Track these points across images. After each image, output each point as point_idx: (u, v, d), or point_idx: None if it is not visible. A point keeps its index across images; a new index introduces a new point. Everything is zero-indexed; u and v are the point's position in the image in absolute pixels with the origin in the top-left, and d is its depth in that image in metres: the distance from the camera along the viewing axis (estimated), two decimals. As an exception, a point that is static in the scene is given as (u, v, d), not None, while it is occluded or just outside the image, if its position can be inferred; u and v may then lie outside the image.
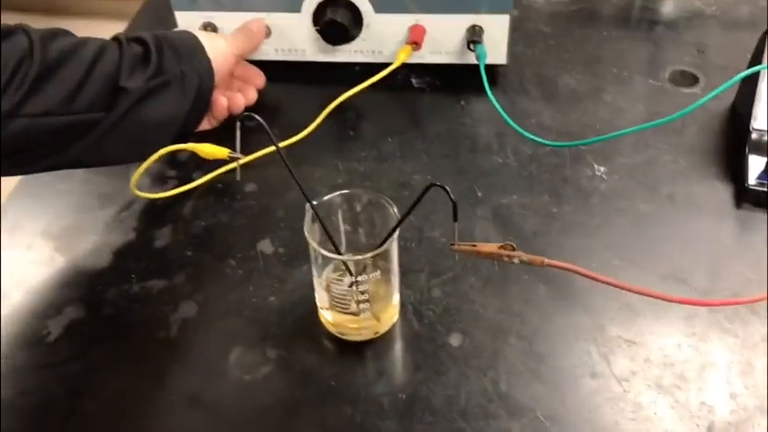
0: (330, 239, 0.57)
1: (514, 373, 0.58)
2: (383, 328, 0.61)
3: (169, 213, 0.74)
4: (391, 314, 0.62)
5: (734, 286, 0.64)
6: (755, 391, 0.57)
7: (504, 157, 0.78)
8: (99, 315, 0.65)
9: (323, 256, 0.56)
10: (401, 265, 0.62)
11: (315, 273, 0.59)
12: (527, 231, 0.70)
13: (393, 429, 0.56)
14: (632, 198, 0.73)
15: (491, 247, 0.56)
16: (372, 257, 0.55)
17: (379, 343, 0.61)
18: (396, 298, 0.61)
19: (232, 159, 0.69)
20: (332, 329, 0.62)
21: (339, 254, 0.58)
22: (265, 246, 0.70)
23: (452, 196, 0.50)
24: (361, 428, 0.56)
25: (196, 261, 0.69)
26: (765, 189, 0.69)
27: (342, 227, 0.61)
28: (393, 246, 0.56)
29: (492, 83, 0.80)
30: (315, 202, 0.56)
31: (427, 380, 0.58)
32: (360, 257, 0.55)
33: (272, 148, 0.70)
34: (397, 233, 0.55)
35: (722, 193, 0.72)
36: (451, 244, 0.56)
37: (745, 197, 0.70)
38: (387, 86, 0.82)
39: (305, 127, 0.80)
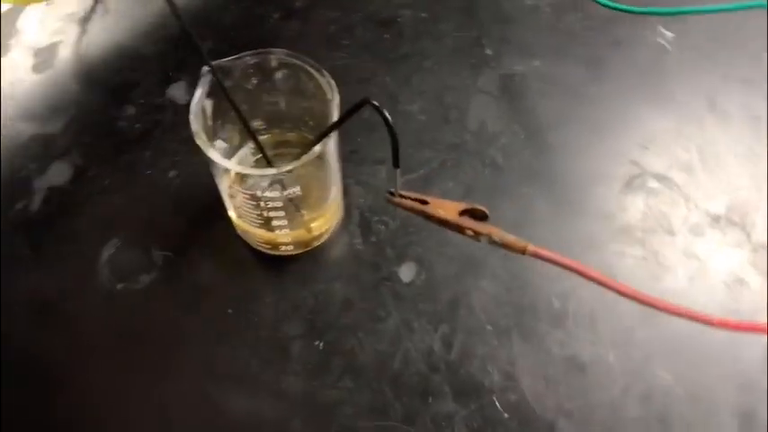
0: (245, 125, 0.38)
1: (476, 333, 0.42)
2: (314, 242, 0.44)
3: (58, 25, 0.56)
4: (328, 220, 0.44)
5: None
6: None
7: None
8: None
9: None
10: (356, 151, 0.46)
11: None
12: (544, 120, 0.50)
13: (296, 390, 0.40)
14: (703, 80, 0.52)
15: (448, 210, 0.34)
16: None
17: (302, 262, 0.45)
18: (333, 194, 0.43)
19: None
20: (243, 237, 0.45)
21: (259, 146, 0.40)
22: (178, 91, 0.52)
23: (387, 115, 0.31)
24: (254, 383, 0.41)
25: (83, 101, 0.51)
26: None
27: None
28: (330, 144, 0.37)
29: None
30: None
31: (358, 327, 0.42)
32: (268, 172, 0.36)
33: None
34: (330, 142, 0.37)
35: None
36: (389, 192, 0.36)
37: None
38: None
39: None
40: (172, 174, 0.47)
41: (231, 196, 0.39)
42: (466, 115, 0.50)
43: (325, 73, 0.37)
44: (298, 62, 0.38)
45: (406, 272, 0.44)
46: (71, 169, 0.47)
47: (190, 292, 0.43)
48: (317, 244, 0.44)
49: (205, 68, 0.36)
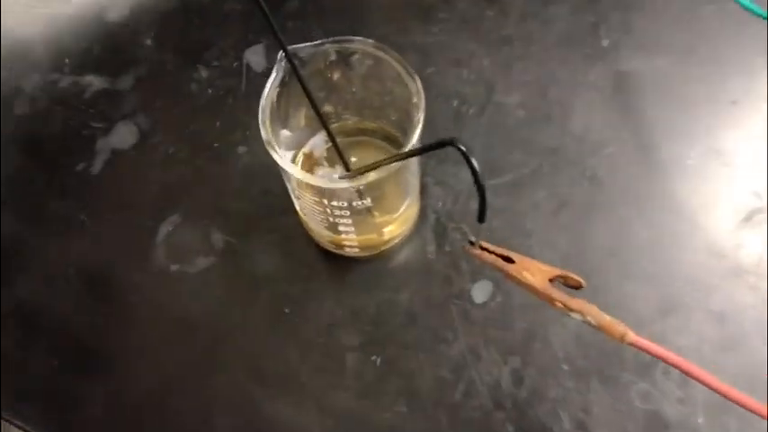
0: (321, 118, 0.33)
1: (550, 372, 0.38)
2: (383, 246, 0.40)
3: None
4: (401, 224, 0.40)
5: None
6: None
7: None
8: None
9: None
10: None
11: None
12: (657, 131, 0.44)
13: (347, 407, 0.37)
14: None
15: (536, 274, 0.29)
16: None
17: (368, 264, 0.41)
18: (411, 198, 0.39)
19: None
20: (308, 233, 0.41)
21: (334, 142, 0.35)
22: (255, 56, 0.48)
23: (475, 165, 0.25)
24: (301, 392, 0.38)
25: (155, 58, 0.48)
26: None
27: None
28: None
29: None
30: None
31: (420, 346, 0.38)
32: (339, 185, 0.32)
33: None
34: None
35: None
36: (470, 242, 0.31)
37: None
38: None
39: None
40: (241, 149, 0.44)
41: (297, 197, 0.36)
42: (570, 115, 0.44)
43: (416, 78, 0.33)
44: (384, 55, 0.33)
45: (480, 291, 0.39)
46: (136, 133, 0.45)
47: (247, 283, 0.41)
48: (385, 248, 0.41)
49: (281, 54, 0.32)
